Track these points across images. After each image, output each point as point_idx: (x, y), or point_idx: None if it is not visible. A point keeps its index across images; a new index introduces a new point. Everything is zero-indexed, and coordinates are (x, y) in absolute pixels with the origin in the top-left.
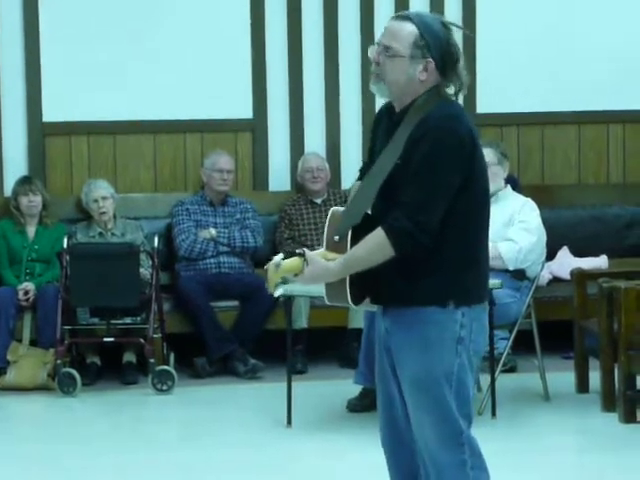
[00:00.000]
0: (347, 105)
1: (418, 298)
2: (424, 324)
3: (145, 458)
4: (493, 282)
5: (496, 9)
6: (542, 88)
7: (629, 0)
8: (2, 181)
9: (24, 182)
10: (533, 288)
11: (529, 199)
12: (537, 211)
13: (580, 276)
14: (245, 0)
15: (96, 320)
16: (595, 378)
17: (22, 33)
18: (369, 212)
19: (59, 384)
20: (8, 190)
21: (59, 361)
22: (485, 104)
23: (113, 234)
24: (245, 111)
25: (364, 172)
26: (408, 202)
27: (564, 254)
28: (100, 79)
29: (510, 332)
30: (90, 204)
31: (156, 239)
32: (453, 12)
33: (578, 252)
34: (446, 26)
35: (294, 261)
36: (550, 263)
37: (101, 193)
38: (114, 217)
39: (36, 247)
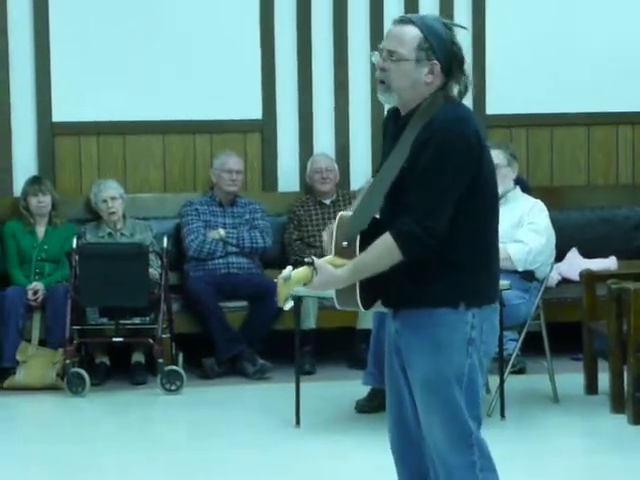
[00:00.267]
0: (356, 106)
1: (429, 300)
2: (435, 326)
3: (153, 458)
4: (502, 283)
5: (505, 11)
6: (551, 89)
7: (638, 1)
8: (12, 181)
9: (34, 182)
10: (542, 289)
11: (538, 200)
12: (546, 212)
13: (589, 277)
14: (255, 1)
15: (105, 320)
16: (604, 380)
17: (32, 34)
18: (377, 216)
19: (68, 384)
20: (18, 190)
21: (68, 361)
22: (494, 105)
23: (122, 234)
24: (254, 112)
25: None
26: (416, 206)
27: (573, 255)
28: (109, 79)
29: (519, 333)
30: (99, 204)
31: (165, 239)
32: (463, 15)
33: (587, 253)
34: (448, 26)
35: (303, 271)
36: (559, 264)
37: (110, 193)
38: (123, 217)
39: (45, 247)
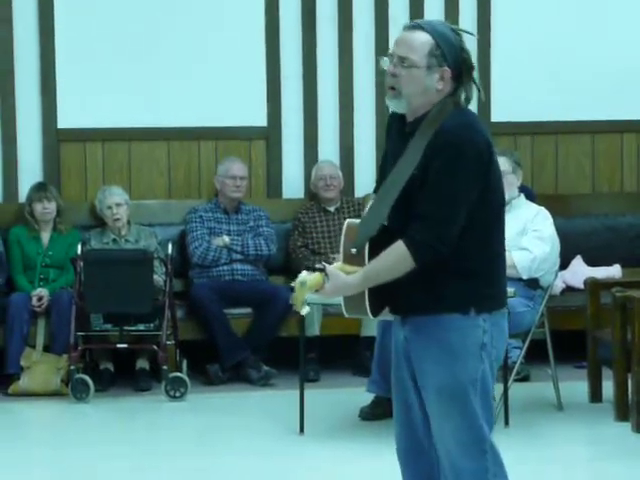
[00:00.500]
0: (361, 113)
1: (439, 306)
2: (447, 331)
3: (157, 465)
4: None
5: (511, 18)
6: (556, 97)
7: None
8: (17, 187)
9: (39, 189)
10: (546, 297)
11: (542, 208)
12: (550, 220)
13: (593, 285)
14: (260, 8)
15: (109, 326)
16: (608, 388)
17: (37, 40)
18: (384, 223)
19: (72, 390)
20: (23, 196)
21: (72, 367)
22: (499, 113)
23: (127, 240)
24: (259, 119)
25: (379, 183)
26: (427, 214)
27: (577, 263)
28: (114, 86)
29: (523, 341)
30: (104, 211)
31: (170, 246)
32: (468, 23)
33: (592, 261)
34: (456, 32)
35: (315, 277)
36: (563, 272)
37: (115, 200)
38: (128, 223)
39: (50, 253)
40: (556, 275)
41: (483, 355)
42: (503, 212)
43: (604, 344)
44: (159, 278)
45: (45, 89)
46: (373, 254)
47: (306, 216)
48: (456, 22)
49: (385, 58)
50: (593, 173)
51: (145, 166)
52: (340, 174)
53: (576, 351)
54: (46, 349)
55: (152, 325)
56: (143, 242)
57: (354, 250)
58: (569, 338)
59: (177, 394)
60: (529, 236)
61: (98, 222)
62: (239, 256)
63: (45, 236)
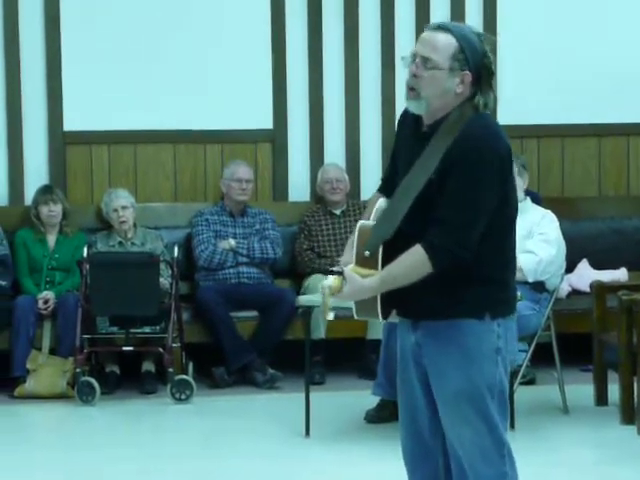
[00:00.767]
0: (367, 116)
1: (456, 312)
2: (463, 336)
3: (163, 467)
4: None
5: (517, 22)
6: (562, 100)
7: None
8: (23, 190)
9: (45, 191)
10: (552, 300)
11: (549, 211)
12: (556, 223)
13: (600, 289)
14: (266, 11)
15: (115, 329)
16: (614, 391)
17: (44, 43)
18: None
19: (78, 393)
20: (29, 199)
21: (78, 370)
22: (505, 116)
23: (133, 243)
24: (265, 122)
25: (386, 182)
26: (448, 219)
27: (584, 266)
28: (121, 89)
29: (529, 344)
30: (110, 213)
31: (176, 249)
32: (474, 24)
33: (598, 264)
34: (480, 37)
35: (335, 280)
36: (570, 275)
37: (121, 202)
38: (134, 226)
39: (56, 256)
40: (562, 278)
41: (499, 360)
42: (516, 217)
43: (610, 347)
44: (165, 281)
45: (51, 92)
46: (386, 257)
47: (312, 219)
48: None
49: (407, 57)
50: (599, 176)
51: (151, 169)
52: (346, 177)
53: (582, 354)
54: (52, 352)
55: (158, 328)
56: (149, 245)
57: (367, 253)
58: (575, 341)
59: (183, 397)
60: (535, 239)
61: (104, 225)
62: (245, 259)
63: (51, 239)
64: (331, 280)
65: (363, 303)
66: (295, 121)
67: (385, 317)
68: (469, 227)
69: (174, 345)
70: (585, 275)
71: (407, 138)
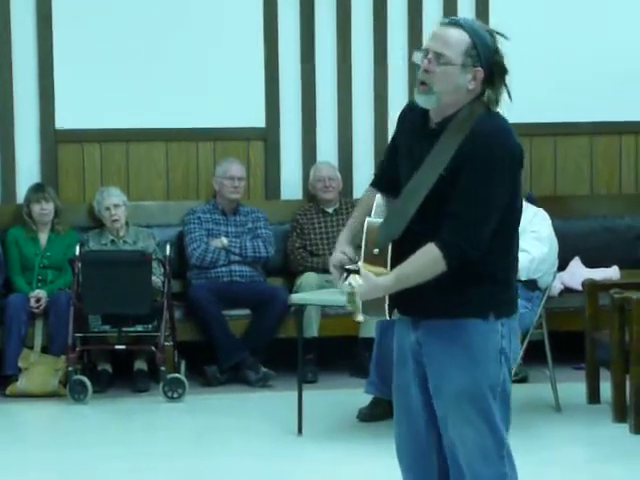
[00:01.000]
0: (360, 114)
1: (462, 311)
2: (468, 336)
3: (155, 466)
4: None
5: (509, 21)
6: (555, 99)
7: None
8: (15, 188)
9: (36, 189)
10: (544, 298)
11: (541, 209)
12: (549, 221)
13: (592, 287)
14: (258, 9)
15: (107, 327)
16: (606, 389)
17: (36, 41)
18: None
19: (70, 391)
20: (20, 197)
21: (70, 368)
22: None
23: (125, 242)
24: (258, 120)
25: (381, 176)
26: (460, 217)
27: (576, 264)
28: (112, 87)
29: (521, 342)
30: (102, 212)
31: (168, 247)
32: None
33: (590, 263)
34: (491, 34)
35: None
36: (562, 273)
37: (113, 201)
38: (126, 225)
39: (48, 254)
40: (554, 276)
41: (502, 360)
42: (521, 218)
43: (602, 345)
44: (157, 279)
45: (43, 90)
46: (395, 254)
47: (304, 217)
48: None
49: (419, 52)
50: (591, 175)
51: (143, 167)
52: (339, 175)
53: (574, 352)
54: (44, 350)
55: (150, 326)
56: (141, 243)
57: (376, 250)
58: (567, 339)
59: (175, 395)
60: (527, 237)
61: (96, 223)
62: (237, 257)
63: (43, 237)
64: (357, 280)
65: (373, 301)
66: (287, 119)
67: (390, 315)
68: (480, 223)
69: (166, 343)
70: (577, 273)
71: (410, 134)
